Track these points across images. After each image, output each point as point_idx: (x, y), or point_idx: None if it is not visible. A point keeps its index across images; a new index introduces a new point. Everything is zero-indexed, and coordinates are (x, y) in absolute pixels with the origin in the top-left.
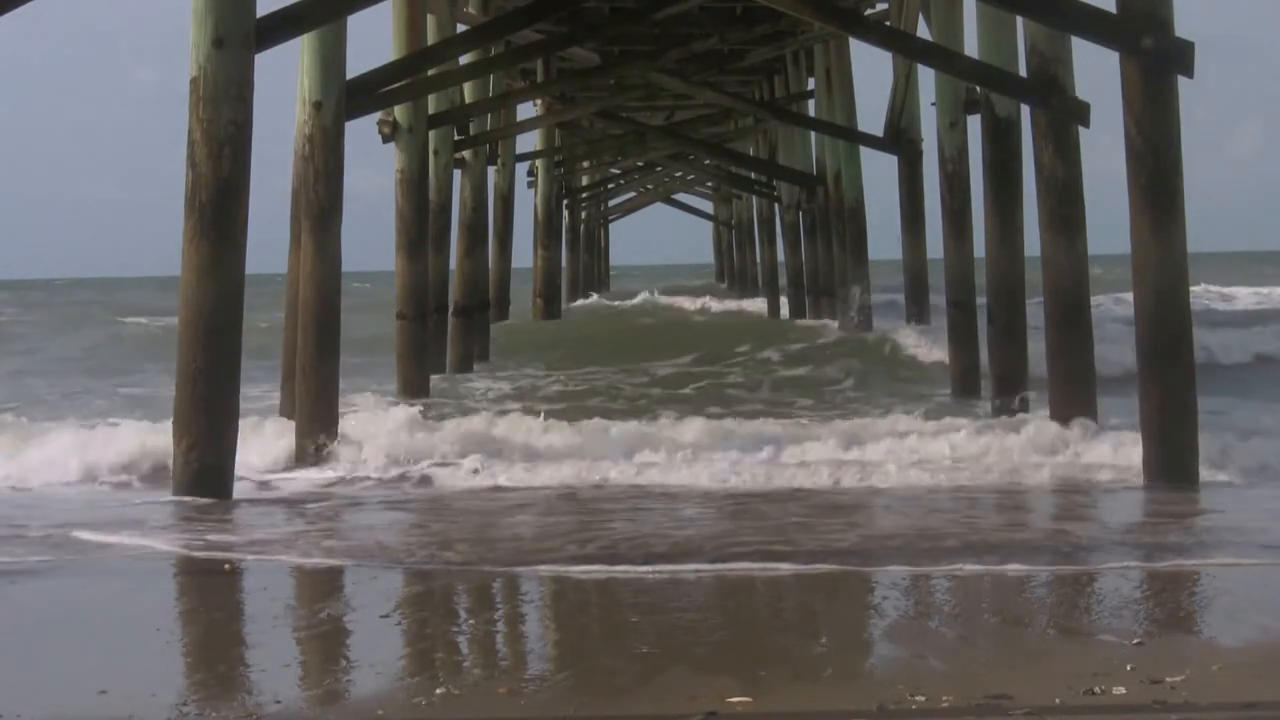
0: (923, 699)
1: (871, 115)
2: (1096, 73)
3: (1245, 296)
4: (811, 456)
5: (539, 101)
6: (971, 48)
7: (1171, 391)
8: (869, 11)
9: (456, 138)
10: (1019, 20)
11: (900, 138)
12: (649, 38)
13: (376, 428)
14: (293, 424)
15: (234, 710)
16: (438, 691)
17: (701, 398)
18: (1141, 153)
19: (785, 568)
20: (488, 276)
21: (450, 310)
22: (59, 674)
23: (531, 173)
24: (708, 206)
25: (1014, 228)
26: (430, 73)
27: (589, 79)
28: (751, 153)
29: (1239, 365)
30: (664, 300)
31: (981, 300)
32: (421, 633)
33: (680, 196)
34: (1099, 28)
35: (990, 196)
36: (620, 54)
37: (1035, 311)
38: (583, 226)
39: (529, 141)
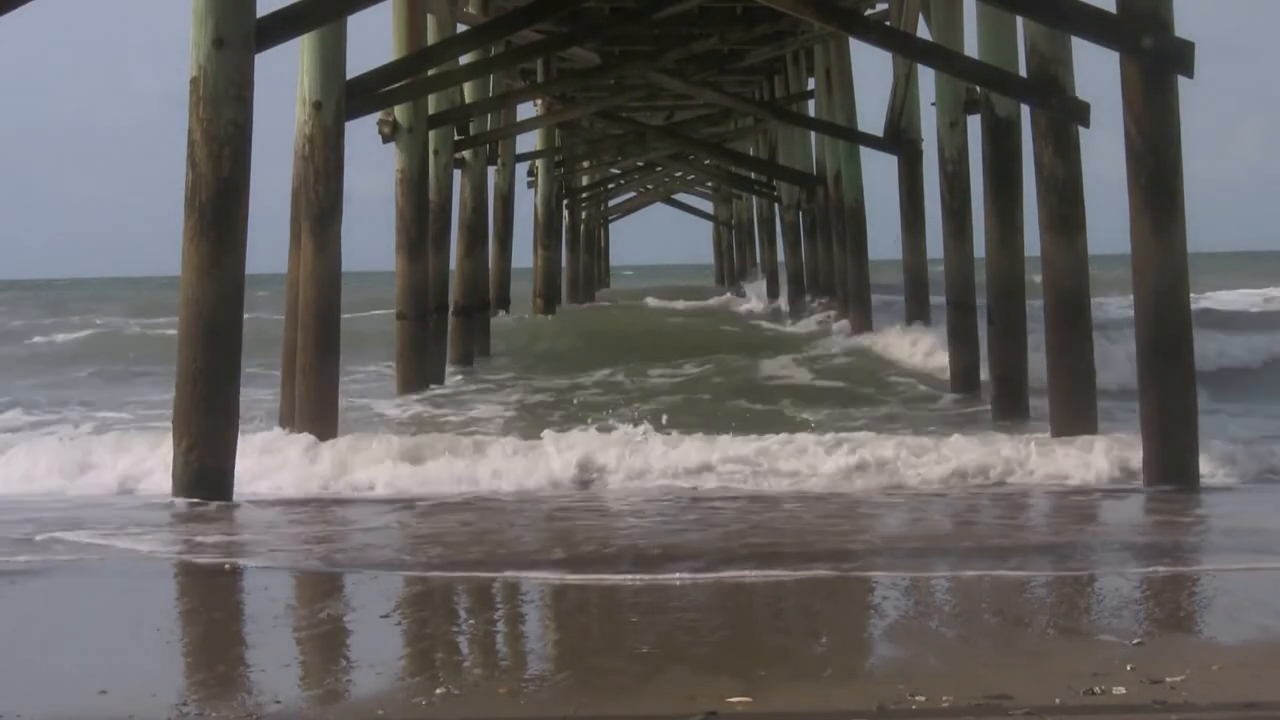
0: (923, 699)
1: (871, 115)
2: (1097, 73)
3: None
4: (814, 459)
5: (539, 101)
6: (971, 48)
7: (1171, 392)
8: (869, 11)
9: (456, 138)
10: (1019, 20)
11: (900, 138)
12: (649, 38)
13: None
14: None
15: (234, 710)
16: (438, 691)
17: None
18: (1141, 153)
19: (779, 573)
20: (488, 276)
21: (450, 310)
22: (59, 674)
23: (531, 173)
24: (708, 206)
25: (1014, 228)
26: (430, 73)
27: (589, 79)
28: (751, 153)
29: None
30: (678, 304)
31: (981, 300)
32: (421, 633)
33: (680, 196)
34: (1099, 28)
35: (990, 196)
36: (620, 54)
37: (1035, 312)
38: (583, 226)
39: (529, 141)
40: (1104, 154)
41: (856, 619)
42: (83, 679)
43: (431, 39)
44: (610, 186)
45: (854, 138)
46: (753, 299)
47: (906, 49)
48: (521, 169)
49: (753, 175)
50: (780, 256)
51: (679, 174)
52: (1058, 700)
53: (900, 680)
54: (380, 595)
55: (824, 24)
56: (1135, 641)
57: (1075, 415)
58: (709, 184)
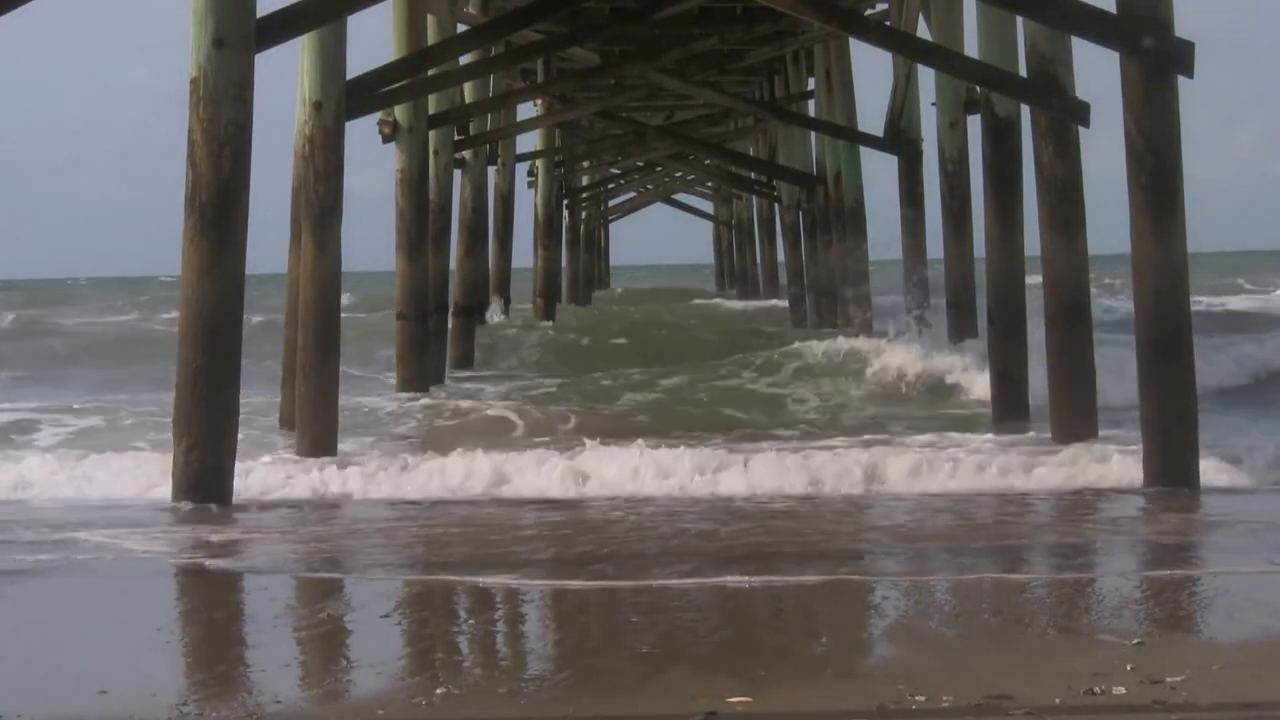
0: (923, 699)
1: (871, 115)
2: (1097, 73)
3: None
4: (816, 459)
5: (539, 101)
6: (971, 48)
7: (1171, 392)
8: (869, 11)
9: (456, 138)
10: (1019, 20)
11: (900, 138)
12: (649, 38)
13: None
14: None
15: (234, 710)
16: (438, 691)
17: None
18: (1141, 153)
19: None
20: (488, 276)
21: (450, 310)
22: (59, 674)
23: (531, 173)
24: (708, 206)
25: (1014, 227)
26: (430, 73)
27: (589, 79)
28: (751, 153)
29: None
30: (675, 306)
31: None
32: (421, 633)
33: (680, 196)
34: (1099, 28)
35: (990, 196)
36: (620, 54)
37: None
38: (583, 226)
39: (529, 141)
40: (1104, 154)
41: (856, 619)
42: (83, 679)
43: (431, 39)
44: (610, 186)
45: (854, 138)
46: (752, 299)
47: (906, 49)
48: (521, 169)
49: (753, 175)
50: (780, 256)
51: (679, 174)
52: (1058, 700)
53: (900, 680)
54: (380, 595)
55: (824, 24)
56: (1135, 641)
57: (1075, 415)
58: (709, 184)
